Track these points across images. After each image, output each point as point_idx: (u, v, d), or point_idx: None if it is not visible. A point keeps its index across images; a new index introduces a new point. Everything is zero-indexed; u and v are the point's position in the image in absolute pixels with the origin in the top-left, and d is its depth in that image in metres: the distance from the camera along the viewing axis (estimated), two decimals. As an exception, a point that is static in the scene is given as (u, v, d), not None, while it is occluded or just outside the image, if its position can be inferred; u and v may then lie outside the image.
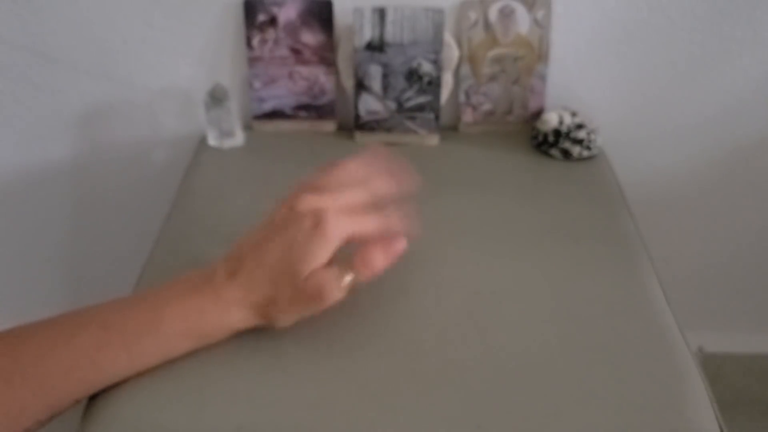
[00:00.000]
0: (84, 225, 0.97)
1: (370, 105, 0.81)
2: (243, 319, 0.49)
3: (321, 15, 0.80)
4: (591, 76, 0.85)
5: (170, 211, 0.70)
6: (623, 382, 0.49)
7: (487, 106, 0.84)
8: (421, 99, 0.80)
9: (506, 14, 0.80)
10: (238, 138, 0.81)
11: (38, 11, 0.80)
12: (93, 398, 0.48)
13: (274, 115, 0.84)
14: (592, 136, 0.78)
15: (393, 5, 0.77)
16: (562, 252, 0.62)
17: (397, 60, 0.79)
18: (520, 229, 0.65)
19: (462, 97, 0.84)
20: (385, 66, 0.79)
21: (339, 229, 0.48)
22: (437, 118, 0.81)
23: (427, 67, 0.79)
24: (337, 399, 0.47)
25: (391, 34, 0.78)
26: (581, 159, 0.79)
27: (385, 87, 0.80)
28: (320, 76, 0.82)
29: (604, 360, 0.50)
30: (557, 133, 0.78)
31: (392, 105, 0.81)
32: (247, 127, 0.84)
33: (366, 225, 0.49)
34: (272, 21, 0.80)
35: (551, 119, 0.79)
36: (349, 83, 0.82)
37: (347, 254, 0.50)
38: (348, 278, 0.49)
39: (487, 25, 0.81)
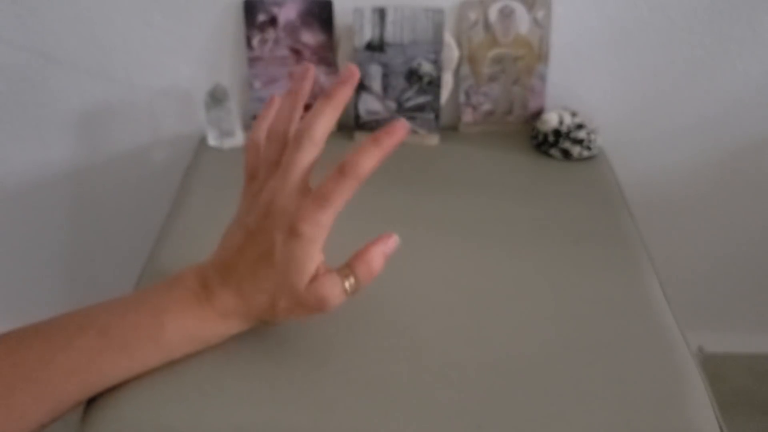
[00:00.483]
0: (84, 225, 0.97)
1: (370, 105, 0.81)
2: (240, 326, 0.49)
3: (321, 15, 0.80)
4: (591, 76, 0.85)
5: (170, 212, 0.70)
6: (623, 382, 0.49)
7: (487, 106, 0.84)
8: (421, 99, 0.80)
9: (506, 14, 0.80)
10: (238, 138, 0.81)
11: (38, 11, 0.80)
12: (92, 400, 0.47)
13: (274, 115, 0.84)
14: (592, 136, 0.78)
15: (393, 5, 0.77)
16: (562, 252, 0.62)
17: (397, 60, 0.79)
18: (520, 229, 0.65)
19: (462, 97, 0.84)
20: (385, 66, 0.79)
21: (317, 230, 0.46)
22: (437, 118, 0.81)
23: (427, 67, 0.79)
24: (337, 399, 0.47)
25: (391, 34, 0.78)
26: (581, 159, 0.79)
27: (385, 87, 0.80)
28: (320, 76, 0.82)
29: (604, 360, 0.50)
30: (557, 133, 0.78)
31: (392, 105, 0.81)
32: (247, 127, 0.85)
33: (339, 202, 0.46)
34: (272, 21, 0.80)
35: (551, 119, 0.79)
36: (349, 83, 0.82)
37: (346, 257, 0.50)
38: (348, 283, 0.48)
39: (487, 25, 0.81)
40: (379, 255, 0.49)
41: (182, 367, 0.49)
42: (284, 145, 0.49)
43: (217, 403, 0.47)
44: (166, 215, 0.70)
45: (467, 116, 0.85)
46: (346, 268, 0.48)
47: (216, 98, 0.79)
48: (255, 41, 0.81)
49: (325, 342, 0.52)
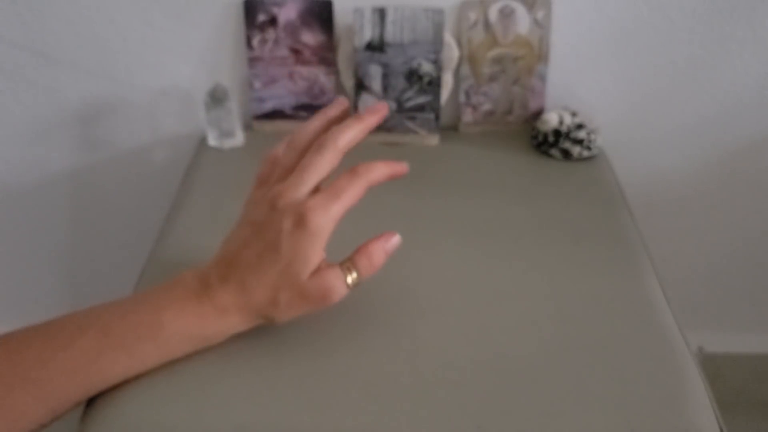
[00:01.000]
0: (84, 225, 0.97)
1: (370, 105, 0.81)
2: (241, 323, 0.49)
3: (321, 15, 0.80)
4: (591, 76, 0.85)
5: (170, 212, 0.70)
6: (623, 382, 0.49)
7: (487, 106, 0.84)
8: (421, 99, 0.80)
9: (506, 14, 0.80)
10: (238, 138, 0.81)
11: (38, 11, 0.80)
12: (92, 399, 0.47)
13: (274, 115, 0.84)
14: (592, 136, 0.78)
15: (393, 5, 0.77)
16: (561, 252, 0.62)
17: (397, 60, 0.79)
18: (520, 229, 0.65)
19: (462, 97, 0.84)
20: (385, 66, 0.79)
21: (324, 222, 0.47)
22: (437, 118, 0.81)
23: (427, 67, 0.79)
24: (337, 399, 0.47)
25: (391, 34, 0.78)
26: (581, 159, 0.79)
27: (385, 87, 0.80)
28: (320, 76, 0.82)
29: (604, 360, 0.50)
30: (557, 133, 0.78)
31: (392, 105, 0.81)
32: (247, 127, 0.85)
33: (348, 199, 0.48)
34: (272, 21, 0.80)
35: (551, 119, 0.79)
36: (349, 83, 0.82)
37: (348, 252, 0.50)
38: (351, 276, 0.49)
39: (487, 25, 0.81)
40: (380, 250, 0.50)
41: (182, 367, 0.49)
42: (303, 154, 0.50)
43: (217, 403, 0.47)
44: (166, 215, 0.70)
45: (467, 116, 0.85)
46: (348, 262, 0.49)
47: (216, 98, 0.79)
48: (255, 41, 0.81)
49: (325, 342, 0.52)
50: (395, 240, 0.50)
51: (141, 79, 0.85)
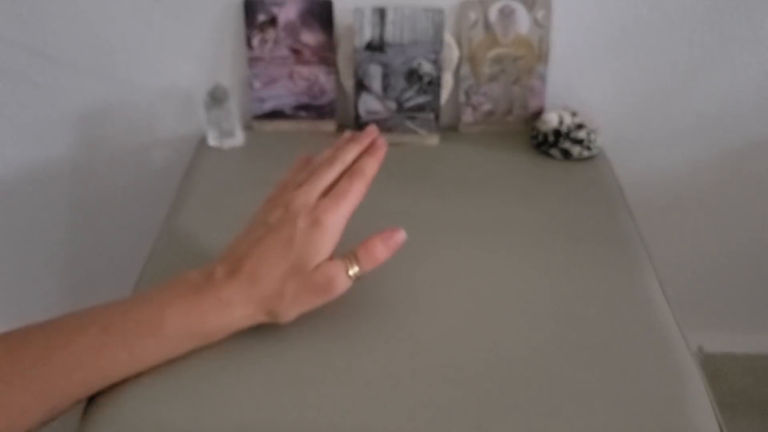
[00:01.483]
0: (84, 225, 0.97)
1: (370, 105, 0.81)
2: (244, 318, 0.49)
3: (321, 15, 0.80)
4: (591, 76, 0.85)
5: (170, 211, 0.70)
6: (623, 382, 0.49)
7: (487, 106, 0.84)
8: (421, 99, 0.80)
9: (506, 14, 0.80)
10: (238, 138, 0.81)
11: (38, 11, 0.80)
12: (93, 398, 0.48)
13: (274, 115, 0.84)
14: (592, 136, 0.78)
15: (393, 5, 0.77)
16: (562, 252, 0.62)
17: (397, 60, 0.79)
18: (520, 229, 0.65)
19: (462, 97, 0.84)
20: (385, 66, 0.79)
21: (335, 220, 0.50)
22: (437, 118, 0.81)
23: (427, 67, 0.79)
24: (337, 399, 0.47)
25: (391, 34, 0.78)
26: (581, 159, 0.79)
27: (385, 87, 0.80)
28: (320, 76, 0.82)
29: (604, 360, 0.51)
30: (557, 133, 0.78)
31: (392, 105, 0.81)
32: (247, 127, 0.85)
33: (353, 198, 0.52)
34: (272, 21, 0.80)
35: (551, 119, 0.79)
36: (349, 83, 0.82)
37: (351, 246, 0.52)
38: (354, 269, 0.51)
39: (487, 25, 0.81)
40: (381, 245, 0.52)
41: (182, 366, 0.49)
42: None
43: (217, 402, 0.47)
44: (166, 215, 0.70)
45: (467, 116, 0.85)
46: (349, 254, 0.51)
47: (216, 98, 0.79)
48: (255, 41, 0.81)
49: (325, 342, 0.52)
50: (399, 236, 0.53)
51: (141, 79, 0.85)
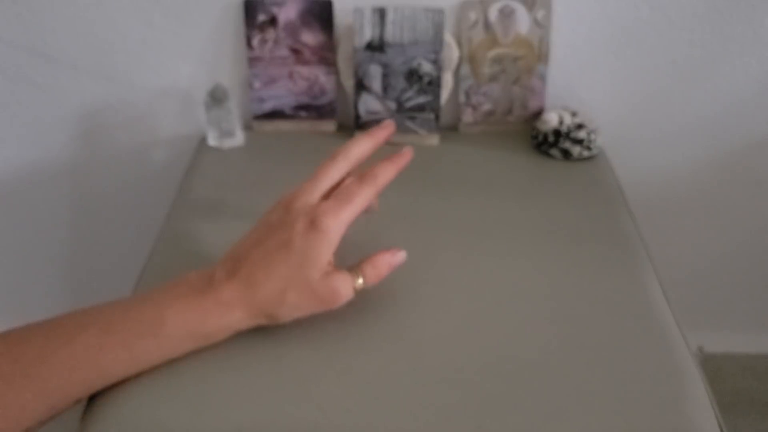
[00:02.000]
0: (84, 225, 0.97)
1: (370, 105, 0.81)
2: (244, 319, 0.49)
3: (321, 15, 0.80)
4: (591, 76, 0.85)
5: (170, 212, 0.70)
6: (623, 382, 0.49)
7: (487, 106, 0.84)
8: (421, 99, 0.80)
9: (506, 14, 0.80)
10: (238, 138, 0.81)
11: (38, 11, 0.80)
12: (93, 398, 0.48)
13: (274, 115, 0.84)
14: (592, 136, 0.78)
15: (393, 5, 0.77)
16: (562, 252, 0.62)
17: (397, 60, 0.79)
18: (520, 229, 0.65)
19: (462, 97, 0.84)
20: (385, 66, 0.79)
21: (335, 225, 0.49)
22: (437, 118, 0.81)
23: (427, 67, 0.79)
24: (337, 399, 0.47)
25: (391, 34, 0.78)
26: (581, 159, 0.79)
27: (385, 87, 0.80)
28: (320, 76, 0.82)
29: (604, 360, 0.51)
30: (557, 133, 0.78)
31: (392, 105, 0.81)
32: (247, 127, 0.85)
33: (358, 203, 0.51)
34: (272, 21, 0.80)
35: (551, 119, 0.79)
36: (349, 83, 0.82)
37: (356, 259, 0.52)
38: (359, 281, 0.51)
39: (487, 25, 0.81)
40: (386, 263, 0.52)
41: (182, 367, 0.49)
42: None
43: (217, 402, 0.47)
44: (166, 215, 0.70)
45: (467, 116, 0.85)
46: (357, 269, 0.51)
47: (216, 98, 0.79)
48: (255, 41, 0.81)
49: (325, 342, 0.52)
50: (401, 256, 0.53)
51: (141, 79, 0.85)
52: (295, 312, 0.50)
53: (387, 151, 0.80)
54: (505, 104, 0.84)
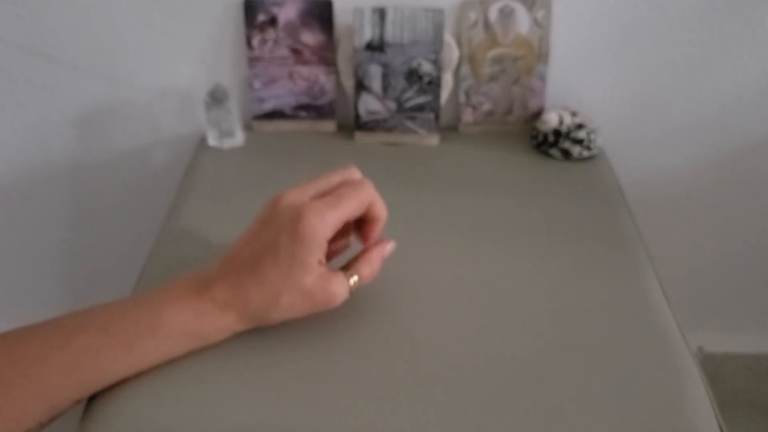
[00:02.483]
0: (84, 225, 0.97)
1: (370, 105, 0.81)
2: (238, 322, 0.49)
3: (321, 15, 0.80)
4: (591, 76, 0.85)
5: (170, 211, 0.70)
6: (623, 382, 0.49)
7: (487, 106, 0.84)
8: (421, 99, 0.80)
9: (506, 14, 0.80)
10: (238, 138, 0.81)
11: (38, 11, 0.80)
12: (93, 398, 0.48)
13: (274, 115, 0.84)
14: (592, 136, 0.78)
15: (393, 5, 0.77)
16: (562, 252, 0.62)
17: (397, 60, 0.79)
18: (520, 229, 0.65)
19: (462, 97, 0.84)
20: (385, 66, 0.79)
21: (318, 223, 0.48)
22: (437, 118, 0.81)
23: (427, 67, 0.79)
24: (336, 399, 0.47)
25: (391, 34, 0.78)
26: (581, 159, 0.79)
27: (385, 87, 0.80)
28: (320, 76, 0.82)
29: (603, 360, 0.50)
30: (557, 133, 0.78)
31: (392, 105, 0.81)
32: (247, 127, 0.85)
33: (345, 208, 0.49)
34: (272, 21, 0.80)
35: (551, 119, 0.79)
36: (349, 83, 0.82)
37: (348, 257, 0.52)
38: (353, 280, 0.51)
39: (487, 25, 0.81)
40: (378, 257, 0.52)
41: (182, 367, 0.49)
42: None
43: (217, 403, 0.47)
44: (166, 215, 0.70)
45: (467, 116, 0.85)
46: (351, 268, 0.51)
47: (216, 98, 0.79)
48: (255, 41, 0.81)
49: (325, 342, 0.52)
50: (390, 246, 0.53)
51: (141, 79, 0.85)
52: (290, 314, 0.50)
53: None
54: (505, 104, 0.84)
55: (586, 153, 0.78)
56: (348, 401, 0.47)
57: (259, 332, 0.51)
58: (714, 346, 1.06)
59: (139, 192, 0.93)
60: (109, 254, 0.99)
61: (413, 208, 0.68)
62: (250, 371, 0.49)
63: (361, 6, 0.77)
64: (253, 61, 0.82)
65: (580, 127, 0.78)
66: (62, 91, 0.85)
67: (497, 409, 0.47)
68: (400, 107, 0.81)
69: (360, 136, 0.82)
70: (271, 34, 0.81)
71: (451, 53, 0.81)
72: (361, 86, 0.80)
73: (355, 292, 0.51)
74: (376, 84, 0.80)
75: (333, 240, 0.51)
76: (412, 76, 0.79)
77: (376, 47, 0.78)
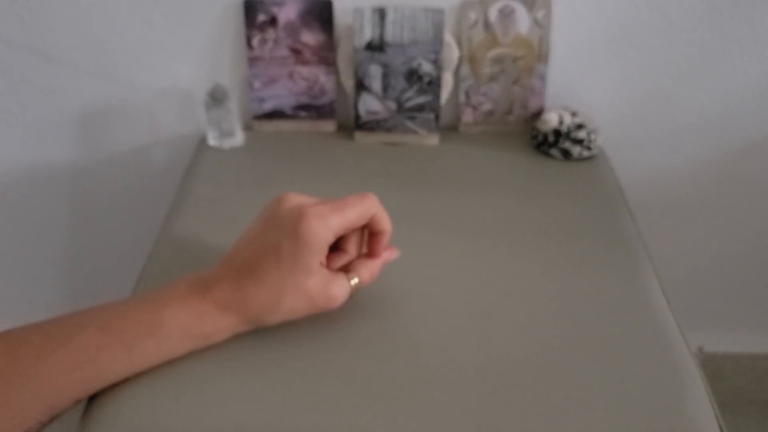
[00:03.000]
0: (84, 225, 0.97)
1: (370, 105, 0.81)
2: (239, 323, 0.49)
3: (321, 15, 0.80)
4: (591, 76, 0.85)
5: (170, 211, 0.70)
6: (623, 382, 0.49)
7: (487, 106, 0.84)
8: (421, 99, 0.80)
9: (506, 14, 0.80)
10: (238, 138, 0.81)
11: (38, 11, 0.80)
12: (93, 398, 0.48)
13: (274, 115, 0.84)
14: (592, 136, 0.78)
15: (393, 5, 0.77)
16: (562, 252, 0.62)
17: (397, 60, 0.79)
18: (520, 229, 0.65)
19: (462, 97, 0.84)
20: (385, 66, 0.79)
21: (319, 226, 0.48)
22: (437, 118, 0.81)
23: (427, 67, 0.79)
24: (337, 399, 0.47)
25: (391, 34, 0.78)
26: (581, 159, 0.79)
27: (385, 87, 0.80)
28: (320, 76, 0.82)
29: (604, 360, 0.50)
30: (557, 133, 0.78)
31: (392, 105, 0.81)
32: (247, 127, 0.85)
33: (348, 215, 0.49)
34: (272, 21, 0.80)
35: (551, 119, 0.79)
36: (349, 83, 0.82)
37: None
38: (353, 282, 0.51)
39: (487, 25, 0.81)
40: (379, 263, 0.53)
41: (182, 367, 0.49)
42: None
43: (217, 403, 0.47)
44: (166, 215, 0.70)
45: (467, 116, 0.85)
46: (351, 271, 0.51)
47: (216, 98, 0.79)
48: (255, 41, 0.81)
49: (325, 342, 0.52)
50: (394, 253, 0.54)
51: (141, 79, 0.85)
52: (291, 316, 0.50)
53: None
54: (505, 104, 0.84)
55: (586, 153, 0.78)
56: (348, 401, 0.47)
57: (260, 333, 0.51)
58: (714, 346, 1.06)
59: (139, 192, 0.93)
60: (108, 254, 0.99)
61: (413, 208, 0.68)
62: (251, 371, 0.49)
63: (361, 6, 0.77)
64: (253, 61, 0.82)
65: (580, 127, 0.78)
66: (62, 91, 0.85)
67: (497, 409, 0.47)
68: (400, 107, 0.81)
69: (360, 136, 0.82)
70: (271, 34, 0.81)
71: (451, 53, 0.81)
72: (361, 86, 0.80)
73: (355, 295, 0.52)
74: (376, 84, 0.80)
75: (332, 255, 0.52)
76: (412, 76, 0.79)
77: (376, 47, 0.78)
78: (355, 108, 0.81)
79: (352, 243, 0.53)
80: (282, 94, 0.83)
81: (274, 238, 0.48)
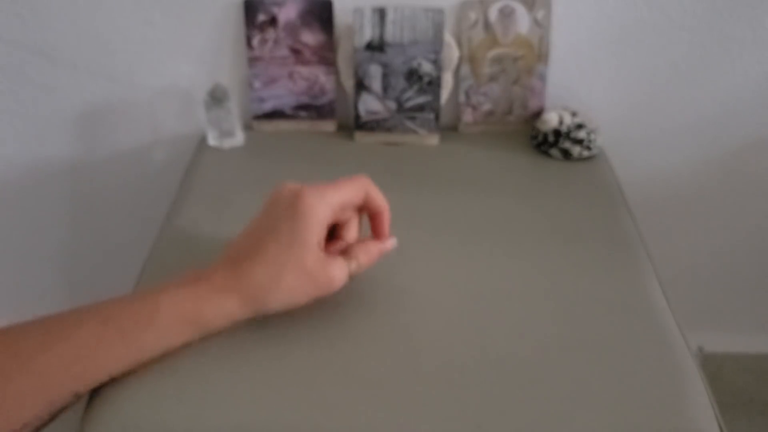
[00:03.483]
0: (84, 224, 0.97)
1: (370, 105, 0.81)
2: (239, 306, 0.49)
3: (321, 15, 0.80)
4: (591, 76, 0.85)
5: (170, 211, 0.70)
6: (623, 382, 0.49)
7: (487, 106, 0.84)
8: (421, 99, 0.80)
9: (506, 14, 0.80)
10: (238, 138, 0.81)
11: (38, 11, 0.80)
12: (93, 397, 0.48)
13: (274, 115, 0.84)
14: (592, 136, 0.78)
15: (393, 5, 0.77)
16: (562, 252, 0.62)
17: (397, 60, 0.79)
18: (520, 229, 0.66)
19: (462, 97, 0.84)
20: (385, 66, 0.79)
21: (317, 201, 0.49)
22: (437, 118, 0.81)
23: (427, 67, 0.79)
24: (336, 399, 0.47)
25: (391, 34, 0.78)
26: (581, 159, 0.79)
27: (385, 87, 0.80)
28: (320, 76, 0.82)
29: (603, 360, 0.51)
30: (557, 133, 0.78)
31: (392, 105, 0.81)
32: (247, 127, 0.85)
33: (343, 191, 0.51)
34: (272, 21, 0.80)
35: (551, 119, 0.79)
36: (349, 83, 0.82)
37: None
38: (352, 265, 0.52)
39: (487, 25, 0.81)
40: (377, 248, 0.54)
41: (183, 366, 0.49)
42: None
43: (217, 401, 0.47)
44: (166, 215, 0.70)
45: (467, 116, 0.85)
46: (349, 254, 0.52)
47: (216, 98, 0.79)
48: (255, 41, 0.81)
49: (325, 341, 0.52)
50: (391, 243, 0.55)
51: (141, 79, 0.85)
52: (289, 297, 0.50)
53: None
54: (505, 104, 0.84)
55: (586, 153, 0.78)
56: (348, 401, 0.47)
57: (260, 330, 0.51)
58: (714, 346, 1.06)
59: (139, 191, 0.93)
60: (108, 254, 0.99)
61: (413, 208, 0.68)
62: (251, 370, 0.49)
63: (361, 6, 0.77)
64: (253, 61, 0.82)
65: (580, 127, 0.78)
66: (63, 90, 0.85)
67: (497, 409, 0.47)
68: (400, 107, 0.81)
69: (360, 136, 0.82)
70: (271, 33, 0.81)
71: (451, 53, 0.81)
72: (361, 86, 0.80)
73: (354, 278, 0.52)
74: (376, 84, 0.80)
75: (330, 243, 0.52)
76: (412, 76, 0.79)
77: (376, 47, 0.78)
78: (355, 108, 0.81)
79: (348, 230, 0.54)
80: (282, 94, 0.83)
81: (273, 220, 0.49)
